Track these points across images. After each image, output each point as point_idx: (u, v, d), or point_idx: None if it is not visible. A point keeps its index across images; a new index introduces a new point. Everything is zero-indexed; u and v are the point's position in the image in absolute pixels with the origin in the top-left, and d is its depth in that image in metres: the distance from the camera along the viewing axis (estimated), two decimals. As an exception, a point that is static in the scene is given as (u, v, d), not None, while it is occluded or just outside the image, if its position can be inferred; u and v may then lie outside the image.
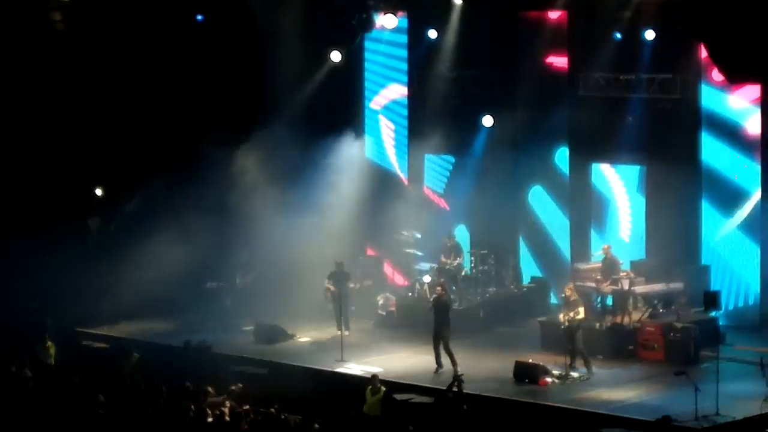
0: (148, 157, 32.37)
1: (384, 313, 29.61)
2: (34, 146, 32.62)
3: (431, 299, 26.44)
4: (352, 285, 29.13)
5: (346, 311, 28.05)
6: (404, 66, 32.78)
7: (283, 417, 21.37)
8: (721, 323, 25.17)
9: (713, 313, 24.56)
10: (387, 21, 31.74)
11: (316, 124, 32.17)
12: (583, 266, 27.84)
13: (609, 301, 26.69)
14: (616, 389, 23.44)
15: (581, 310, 24.62)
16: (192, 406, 21.71)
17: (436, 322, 25.31)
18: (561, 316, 25.38)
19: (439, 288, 26.40)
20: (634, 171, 29.35)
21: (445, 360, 24.95)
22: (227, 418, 21.14)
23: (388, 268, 32.49)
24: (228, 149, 30.98)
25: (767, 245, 27.24)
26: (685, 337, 24.69)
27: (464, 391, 22.70)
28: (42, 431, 20.90)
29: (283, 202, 30.76)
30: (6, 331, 27.77)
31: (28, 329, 28.26)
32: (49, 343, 26.77)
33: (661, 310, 26.12)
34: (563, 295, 25.77)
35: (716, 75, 26.69)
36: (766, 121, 26.85)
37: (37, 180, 32.69)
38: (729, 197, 27.88)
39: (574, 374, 24.30)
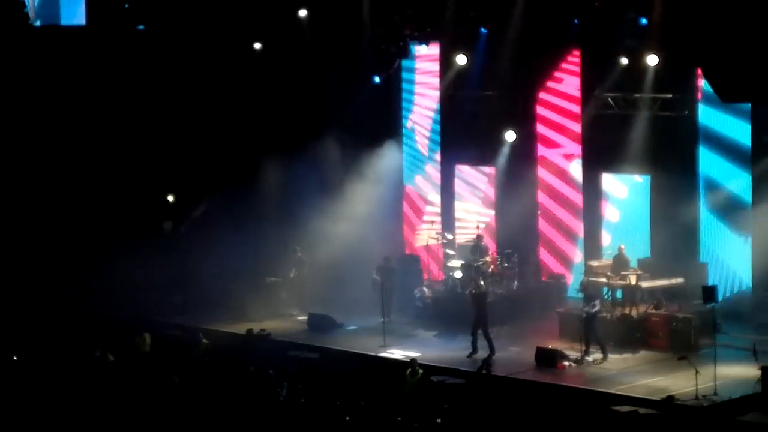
0: (214, 168, 32.51)
1: (421, 305, 29.63)
2: (120, 163, 32.90)
3: (469, 292, 26.60)
4: (396, 279, 29.28)
5: (389, 301, 28.26)
6: (436, 85, 32.87)
7: (332, 396, 22.18)
8: (717, 314, 24.76)
9: (710, 305, 24.41)
10: (421, 49, 32.59)
11: (359, 138, 32.14)
12: (595, 263, 27.89)
13: (619, 294, 26.82)
14: (626, 372, 23.78)
15: (597, 302, 24.98)
16: (256, 386, 22.56)
17: (477, 313, 25.63)
18: (580, 307, 25.69)
19: (475, 281, 26.98)
20: (640, 180, 29.45)
21: (480, 345, 25.34)
22: (283, 397, 21.96)
23: (424, 265, 32.31)
24: (283, 162, 31.41)
25: (757, 243, 27.64)
26: (686, 326, 25.13)
27: (493, 373, 23.59)
28: (125, 406, 21.43)
29: (330, 207, 31.18)
30: (96, 322, 28.51)
31: (116, 321, 28.80)
32: (147, 335, 27.03)
33: (664, 303, 26.27)
34: (581, 290, 25.90)
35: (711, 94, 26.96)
36: (755, 133, 27.24)
37: (120, 190, 32.96)
38: (724, 202, 28.34)
39: (588, 359, 24.57)
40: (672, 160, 28.92)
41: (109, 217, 32.58)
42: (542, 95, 31.35)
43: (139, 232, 32.14)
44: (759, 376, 21.47)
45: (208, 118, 32.73)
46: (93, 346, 26.37)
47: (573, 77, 30.64)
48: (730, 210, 28.13)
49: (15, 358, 25.61)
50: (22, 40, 30.96)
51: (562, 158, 31.07)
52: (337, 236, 30.71)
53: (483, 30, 30.65)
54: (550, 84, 31.21)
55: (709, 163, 28.67)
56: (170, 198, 33.32)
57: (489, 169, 31.72)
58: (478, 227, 31.19)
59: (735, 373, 22.70)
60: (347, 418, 20.43)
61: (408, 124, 33.98)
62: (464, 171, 32.79)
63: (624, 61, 28.49)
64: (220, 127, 32.66)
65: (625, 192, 29.79)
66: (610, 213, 30.14)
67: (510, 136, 30.50)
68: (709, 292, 24.49)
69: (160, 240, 32.76)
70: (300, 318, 29.34)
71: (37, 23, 31.37)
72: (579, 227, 30.69)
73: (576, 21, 29.09)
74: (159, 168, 33.22)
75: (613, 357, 25.02)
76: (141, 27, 32.71)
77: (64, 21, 32.14)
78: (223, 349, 26.86)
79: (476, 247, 30.06)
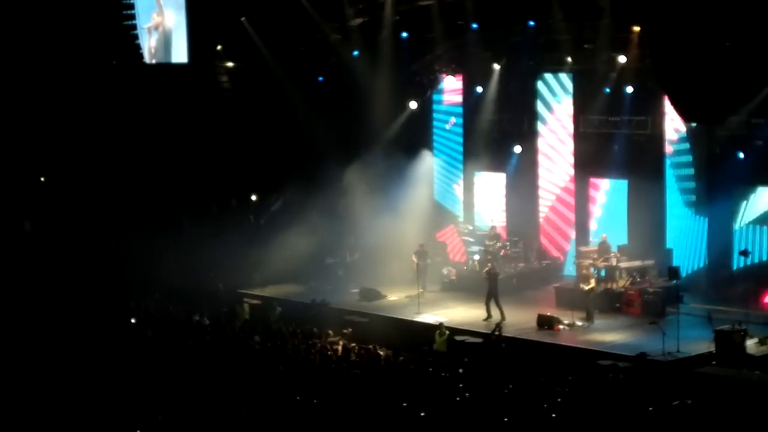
0: (287, 173, 32.67)
1: (447, 281, 29.72)
2: (220, 174, 33.12)
3: (485, 271, 26.67)
4: (429, 260, 29.38)
5: (424, 278, 28.30)
6: (460, 110, 32.87)
7: (378, 351, 22.17)
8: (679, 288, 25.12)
9: (674, 281, 24.72)
10: (448, 81, 32.48)
11: (399, 150, 32.28)
12: (584, 249, 28.02)
13: (602, 273, 26.71)
14: (608, 334, 23.90)
15: (593, 281, 25.18)
16: (318, 343, 22.52)
17: (489, 287, 25.73)
18: (579, 284, 25.82)
19: (489, 264, 27.00)
20: (620, 183, 29.39)
21: (494, 313, 25.31)
22: (340, 353, 22.18)
23: (451, 249, 32.56)
24: (340, 168, 31.37)
25: (713, 231, 27.42)
26: (656, 297, 25.14)
27: (503, 334, 23.33)
28: (214, 362, 21.38)
29: (377, 204, 30.90)
30: (193, 293, 28.46)
31: (211, 291, 29.04)
32: (246, 304, 27.50)
33: (638, 280, 26.35)
34: (582, 270, 26.21)
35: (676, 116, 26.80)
36: (709, 145, 27.13)
37: (217, 189, 33.25)
38: (686, 200, 28.12)
39: (579, 323, 24.59)
40: (644, 168, 28.79)
41: (210, 214, 32.78)
42: (543, 116, 31.21)
43: (230, 225, 32.46)
44: (713, 337, 21.52)
45: (285, 134, 32.68)
46: (193, 312, 26.66)
47: (567, 103, 30.36)
48: (689, 206, 27.91)
49: (132, 321, 25.82)
50: (136, 76, 30.80)
51: (558, 166, 30.80)
52: (382, 227, 30.48)
53: (496, 66, 30.55)
54: (549, 107, 30.99)
55: (671, 169, 28.61)
56: (254, 197, 33.39)
57: (501, 175, 31.68)
58: (492, 220, 31.30)
59: (694, 335, 22.59)
60: (391, 368, 20.68)
61: (447, 125, 33.88)
62: (482, 176, 32.68)
63: (607, 90, 28.49)
64: (293, 141, 32.56)
65: (608, 193, 29.56)
66: (596, 209, 30.01)
67: (517, 149, 30.76)
68: (674, 271, 24.93)
69: (245, 230, 32.86)
70: (353, 291, 29.13)
71: (152, 61, 30.97)
72: (572, 221, 30.52)
73: (569, 59, 28.95)
74: (247, 175, 33.32)
75: (598, 322, 25.03)
76: (232, 64, 32.77)
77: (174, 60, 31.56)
78: (293, 315, 26.94)
79: (491, 236, 30.07)
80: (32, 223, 33.11)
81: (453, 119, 32.96)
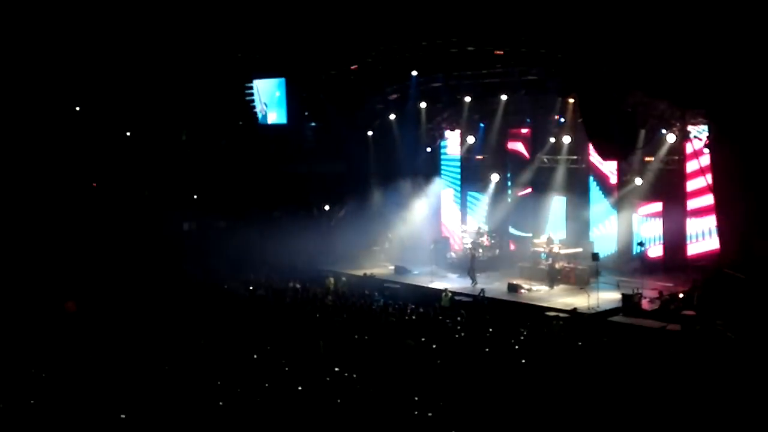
0: (348, 192, 32.72)
1: (450, 261, 29.59)
2: (305, 186, 33.43)
3: (471, 255, 27.09)
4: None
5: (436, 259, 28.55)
6: (458, 154, 32.84)
7: (404, 307, 22.18)
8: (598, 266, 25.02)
9: (595, 262, 24.54)
10: (450, 134, 32.66)
11: (419, 177, 32.18)
12: (537, 241, 27.82)
13: (543, 256, 26.64)
14: (552, 296, 23.95)
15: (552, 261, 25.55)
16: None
17: (472, 265, 26.12)
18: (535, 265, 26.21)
19: (471, 249, 27.50)
20: (561, 198, 29.31)
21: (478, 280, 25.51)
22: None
23: (451, 242, 32.22)
24: (381, 189, 31.49)
25: (620, 232, 27.51)
26: (583, 272, 25.12)
27: (486, 295, 23.54)
28: (304, 312, 21.65)
29: (404, 212, 31.23)
30: (288, 268, 28.53)
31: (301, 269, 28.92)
32: (331, 278, 26.94)
33: (572, 261, 26.21)
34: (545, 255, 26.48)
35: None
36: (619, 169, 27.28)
37: (305, 200, 33.45)
38: (603, 210, 28.23)
39: (535, 288, 24.85)
40: (577, 188, 28.86)
41: (303, 218, 32.56)
42: (510, 156, 31.09)
43: (312, 225, 32.35)
44: (620, 298, 21.74)
45: (348, 171, 32.74)
46: (287, 282, 26.73)
47: (525, 146, 30.37)
48: (605, 214, 28.03)
49: (251, 288, 25.83)
50: (253, 131, 30.92)
51: (522, 188, 30.50)
52: (408, 227, 30.73)
53: (481, 125, 30.58)
54: (513, 150, 30.93)
55: (595, 188, 28.55)
56: (326, 207, 33.44)
57: (484, 194, 31.34)
58: (479, 223, 31.15)
59: (608, 297, 22.73)
60: (414, 318, 20.65)
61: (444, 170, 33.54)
62: (474, 196, 32.51)
63: (552, 139, 28.51)
64: (351, 174, 32.63)
65: (557, 206, 29.37)
66: (547, 217, 29.70)
67: (495, 177, 30.54)
68: (594, 256, 24.80)
69: (321, 228, 32.66)
70: (390, 267, 29.07)
71: (266, 120, 31.16)
72: (530, 225, 30.10)
73: (528, 120, 29.07)
74: (323, 192, 33.35)
75: (545, 288, 25.08)
76: (314, 124, 33.04)
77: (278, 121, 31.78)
78: (352, 283, 26.88)
79: (479, 233, 29.97)
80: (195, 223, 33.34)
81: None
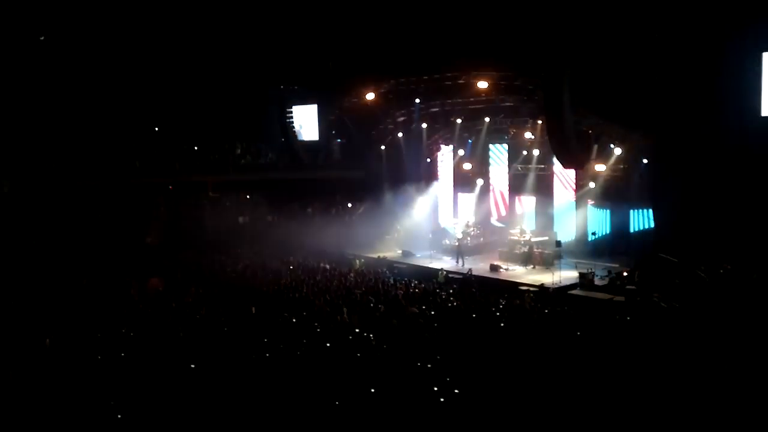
0: (366, 193, 32.53)
1: (444, 247, 28.64)
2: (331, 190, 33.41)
3: (456, 241, 26.90)
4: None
5: (434, 245, 27.94)
6: (451, 164, 32.41)
7: (410, 282, 22.12)
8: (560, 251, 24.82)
9: (558, 247, 24.38)
10: (445, 149, 32.37)
11: (421, 182, 31.96)
12: (513, 231, 27.49)
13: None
14: (524, 275, 23.66)
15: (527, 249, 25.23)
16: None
17: (458, 250, 25.95)
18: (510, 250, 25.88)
19: (459, 238, 27.08)
20: (531, 198, 29.08)
21: (465, 262, 25.28)
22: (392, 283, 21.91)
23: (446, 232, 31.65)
24: (392, 191, 31.24)
25: (578, 225, 27.26)
26: (549, 256, 24.73)
27: (473, 273, 23.49)
28: (332, 286, 21.46)
29: (410, 210, 30.96)
30: (319, 252, 28.10)
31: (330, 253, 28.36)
32: (358, 260, 26.74)
33: (540, 247, 25.83)
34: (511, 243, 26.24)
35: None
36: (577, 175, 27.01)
37: (331, 200, 33.42)
38: (566, 206, 27.97)
39: (511, 268, 24.60)
40: (544, 190, 28.58)
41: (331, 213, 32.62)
42: (492, 165, 30.81)
43: (336, 218, 32.38)
44: (577, 276, 21.53)
45: (366, 177, 32.62)
46: (319, 262, 26.49)
47: (504, 158, 30.13)
48: (566, 210, 27.83)
49: (291, 267, 25.72)
50: (290, 148, 30.83)
51: (500, 190, 30.44)
52: (412, 220, 30.61)
53: (469, 141, 30.42)
54: (496, 161, 30.68)
55: (558, 190, 28.28)
56: (349, 204, 33.40)
57: (472, 194, 31.15)
58: (467, 217, 30.67)
59: (568, 275, 22.49)
60: (416, 291, 20.56)
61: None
62: (462, 195, 32.31)
63: (524, 152, 28.51)
64: (369, 179, 32.54)
65: (528, 204, 29.19)
66: (520, 212, 29.46)
67: (480, 182, 30.51)
68: (558, 243, 24.63)
69: (345, 221, 32.42)
70: (398, 251, 28.65)
71: (302, 138, 31.02)
72: (506, 218, 29.91)
73: (506, 137, 28.93)
74: (347, 193, 33.44)
75: (518, 268, 24.85)
76: (339, 140, 33.02)
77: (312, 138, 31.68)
78: (369, 264, 26.68)
79: (467, 225, 29.46)
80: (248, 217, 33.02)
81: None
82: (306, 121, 31.55)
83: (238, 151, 34.21)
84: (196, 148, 33.58)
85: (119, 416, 9.51)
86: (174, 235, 29.88)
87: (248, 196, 33.16)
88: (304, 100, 31.13)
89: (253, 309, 17.01)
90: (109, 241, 28.06)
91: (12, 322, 15.11)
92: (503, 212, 30.41)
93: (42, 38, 30.26)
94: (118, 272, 23.47)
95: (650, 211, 24.30)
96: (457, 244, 26.75)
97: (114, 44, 29.61)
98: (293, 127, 29.68)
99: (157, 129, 33.95)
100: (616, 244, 26.03)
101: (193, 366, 11.65)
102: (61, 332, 14.19)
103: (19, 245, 26.59)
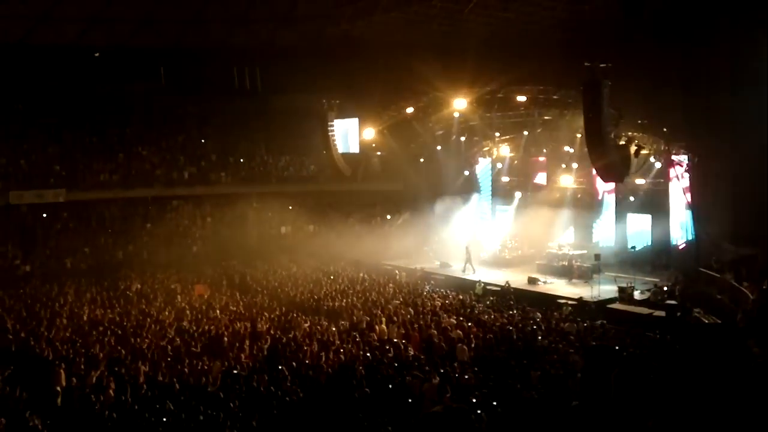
0: (405, 205, 32.54)
1: (482, 259, 27.99)
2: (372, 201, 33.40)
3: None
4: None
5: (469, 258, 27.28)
6: (490, 176, 32.42)
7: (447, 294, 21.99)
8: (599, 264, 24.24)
9: (597, 261, 23.80)
10: (483, 161, 32.28)
11: (459, 194, 31.69)
12: (551, 244, 27.02)
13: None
14: (563, 287, 23.25)
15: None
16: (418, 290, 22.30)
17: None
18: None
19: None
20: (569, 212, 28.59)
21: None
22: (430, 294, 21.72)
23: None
24: (430, 203, 30.80)
25: (618, 235, 26.69)
26: (588, 269, 24.23)
27: (511, 286, 23.14)
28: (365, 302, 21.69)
29: (447, 220, 30.66)
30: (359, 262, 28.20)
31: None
32: (397, 273, 26.21)
33: (579, 260, 25.36)
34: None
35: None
36: (617, 189, 26.40)
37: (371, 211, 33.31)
38: (604, 218, 27.36)
39: (549, 281, 24.14)
40: (583, 203, 28.18)
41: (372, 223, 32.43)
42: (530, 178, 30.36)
43: (377, 228, 32.04)
44: (617, 289, 21.10)
45: (406, 189, 32.43)
46: (359, 272, 26.34)
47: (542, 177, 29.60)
48: (605, 223, 27.33)
49: (331, 277, 25.71)
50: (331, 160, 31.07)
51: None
52: (450, 232, 30.21)
53: (510, 154, 30.16)
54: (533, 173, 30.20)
55: (597, 203, 27.64)
56: (389, 216, 33.31)
57: (510, 207, 30.87)
58: (504, 231, 30.12)
59: (607, 288, 22.02)
60: (454, 302, 20.45)
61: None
62: (501, 207, 31.95)
63: (563, 165, 27.65)
64: (408, 191, 32.26)
65: (567, 215, 28.59)
66: (558, 225, 28.76)
67: (518, 194, 30.27)
68: (597, 256, 24.19)
69: (385, 231, 32.06)
70: (436, 263, 28.10)
71: (341, 149, 31.22)
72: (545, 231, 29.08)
73: (544, 150, 28.46)
74: (387, 205, 33.24)
75: (557, 281, 24.42)
76: (379, 153, 33.13)
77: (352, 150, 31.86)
78: (407, 274, 26.32)
79: (502, 238, 28.94)
80: (290, 227, 33.25)
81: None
82: (347, 134, 31.79)
83: (281, 163, 34.71)
84: (241, 160, 34.20)
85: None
86: (219, 245, 30.34)
87: (290, 207, 33.52)
88: (345, 114, 31.39)
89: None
90: (156, 250, 28.75)
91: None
92: (541, 225, 29.74)
93: (96, 54, 31.41)
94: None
95: (690, 225, 23.72)
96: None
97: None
98: (335, 139, 29.91)
99: (203, 141, 34.72)
100: (656, 258, 25.54)
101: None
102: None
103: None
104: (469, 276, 25.36)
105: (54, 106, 31.27)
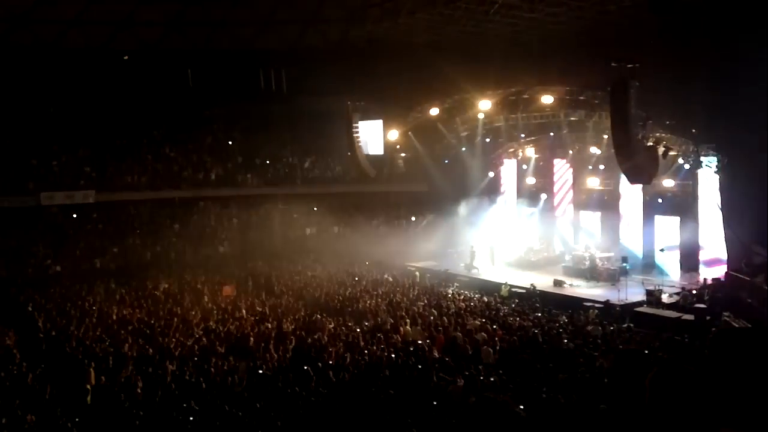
0: (430, 208, 32.43)
1: (508, 261, 28.30)
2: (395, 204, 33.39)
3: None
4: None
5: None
6: (515, 178, 31.99)
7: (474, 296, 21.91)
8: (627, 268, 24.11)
9: (624, 264, 23.79)
10: (508, 163, 32.08)
11: (484, 196, 31.55)
12: (577, 246, 26.82)
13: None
14: (589, 290, 22.97)
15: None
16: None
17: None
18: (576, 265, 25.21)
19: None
20: (596, 214, 28.30)
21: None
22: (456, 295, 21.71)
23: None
24: (455, 205, 30.48)
25: (645, 242, 26.32)
26: (614, 272, 24.07)
27: (537, 289, 23.00)
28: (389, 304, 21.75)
29: (472, 222, 30.31)
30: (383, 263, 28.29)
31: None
32: (418, 272, 26.87)
33: (605, 263, 25.05)
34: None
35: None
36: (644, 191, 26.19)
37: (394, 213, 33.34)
38: (631, 220, 27.15)
39: (575, 284, 23.88)
40: (609, 205, 27.40)
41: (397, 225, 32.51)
42: (557, 180, 29.85)
43: (401, 230, 32.26)
44: (644, 292, 20.88)
45: (429, 191, 32.52)
46: (383, 274, 26.41)
47: (569, 173, 29.18)
48: (632, 225, 26.84)
49: (356, 279, 25.80)
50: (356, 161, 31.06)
51: (564, 206, 29.24)
52: (474, 234, 29.67)
53: (534, 155, 29.89)
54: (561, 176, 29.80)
55: (624, 205, 27.14)
56: (413, 218, 33.28)
57: (534, 209, 30.35)
58: (528, 233, 29.82)
59: (634, 291, 21.74)
60: (478, 304, 20.36)
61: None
62: (525, 209, 31.32)
63: (589, 167, 27.31)
64: (432, 193, 32.38)
65: (593, 219, 28.32)
66: (584, 227, 28.45)
67: (543, 196, 29.88)
68: (624, 259, 24.21)
69: (409, 233, 32.22)
70: (461, 264, 27.66)
71: (368, 151, 31.10)
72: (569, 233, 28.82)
73: (570, 152, 28.06)
74: (411, 207, 33.17)
75: (584, 283, 24.19)
76: (404, 154, 33.08)
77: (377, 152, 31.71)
78: (433, 276, 26.45)
79: (528, 240, 28.64)
80: (314, 229, 33.40)
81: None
82: (371, 136, 31.78)
83: (307, 164, 34.89)
84: (267, 162, 34.45)
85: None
86: (245, 245, 30.59)
87: (315, 208, 33.67)
88: (369, 115, 31.42)
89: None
90: (183, 250, 29.12)
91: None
92: (565, 228, 29.47)
93: (126, 57, 31.92)
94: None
95: (720, 227, 23.26)
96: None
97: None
98: (359, 141, 29.99)
99: (230, 143, 35.08)
100: (684, 261, 25.07)
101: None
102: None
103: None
104: (495, 278, 25.18)
105: (84, 109, 31.86)
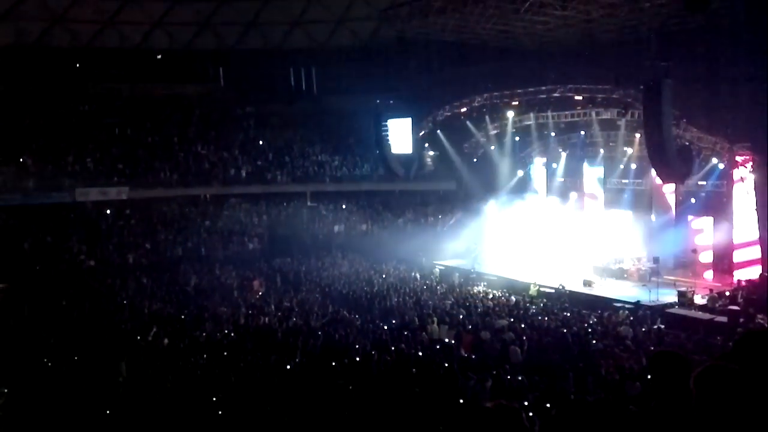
0: (457, 206, 32.33)
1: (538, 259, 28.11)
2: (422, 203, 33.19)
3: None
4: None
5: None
6: (544, 177, 31.55)
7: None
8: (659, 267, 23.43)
9: (656, 264, 23.16)
10: (537, 161, 31.64)
11: (514, 194, 30.80)
12: (608, 246, 26.52)
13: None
14: (620, 289, 22.57)
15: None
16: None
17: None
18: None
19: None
20: (627, 213, 27.87)
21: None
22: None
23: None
24: (483, 203, 30.10)
25: (678, 236, 25.78)
26: (645, 272, 23.59)
27: (565, 287, 22.62)
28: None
29: (498, 220, 29.56)
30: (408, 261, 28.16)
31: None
32: (437, 268, 26.76)
33: (636, 263, 24.61)
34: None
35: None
36: (677, 190, 25.64)
37: (421, 212, 33.18)
38: (663, 220, 26.62)
39: (604, 284, 23.42)
40: (641, 204, 26.92)
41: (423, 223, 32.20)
42: (585, 179, 29.36)
43: (429, 229, 31.87)
44: (676, 293, 20.53)
45: (458, 189, 32.36)
46: (411, 272, 26.29)
47: (600, 172, 28.67)
48: (664, 226, 26.29)
49: (383, 276, 25.78)
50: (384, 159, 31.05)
51: (594, 205, 28.77)
52: (503, 232, 28.92)
53: (564, 153, 29.47)
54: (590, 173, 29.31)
55: (656, 205, 26.60)
56: (440, 216, 33.10)
57: (566, 207, 29.58)
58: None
59: (666, 292, 21.32)
60: (510, 301, 20.20)
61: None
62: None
63: (621, 166, 26.93)
64: (460, 191, 32.25)
65: (625, 219, 27.66)
66: (614, 229, 27.88)
67: (573, 195, 29.35)
68: (656, 259, 23.49)
69: (437, 232, 31.90)
70: (489, 263, 27.27)
71: (397, 150, 30.96)
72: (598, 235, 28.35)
73: (602, 151, 27.68)
74: (438, 205, 33.06)
75: (615, 282, 23.79)
76: (432, 152, 32.96)
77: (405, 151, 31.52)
78: (460, 274, 26.24)
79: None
80: (343, 226, 33.39)
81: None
82: (400, 134, 31.68)
83: (336, 162, 35.01)
84: (297, 159, 34.68)
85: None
86: (274, 242, 30.81)
87: (344, 206, 33.74)
88: (398, 113, 31.36)
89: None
90: (214, 246, 29.42)
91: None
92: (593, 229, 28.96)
93: (158, 57, 32.39)
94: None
95: (755, 228, 22.76)
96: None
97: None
98: (388, 139, 29.98)
99: (260, 141, 35.36)
100: (717, 262, 24.55)
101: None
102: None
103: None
104: (524, 277, 24.72)
105: (117, 107, 32.41)
